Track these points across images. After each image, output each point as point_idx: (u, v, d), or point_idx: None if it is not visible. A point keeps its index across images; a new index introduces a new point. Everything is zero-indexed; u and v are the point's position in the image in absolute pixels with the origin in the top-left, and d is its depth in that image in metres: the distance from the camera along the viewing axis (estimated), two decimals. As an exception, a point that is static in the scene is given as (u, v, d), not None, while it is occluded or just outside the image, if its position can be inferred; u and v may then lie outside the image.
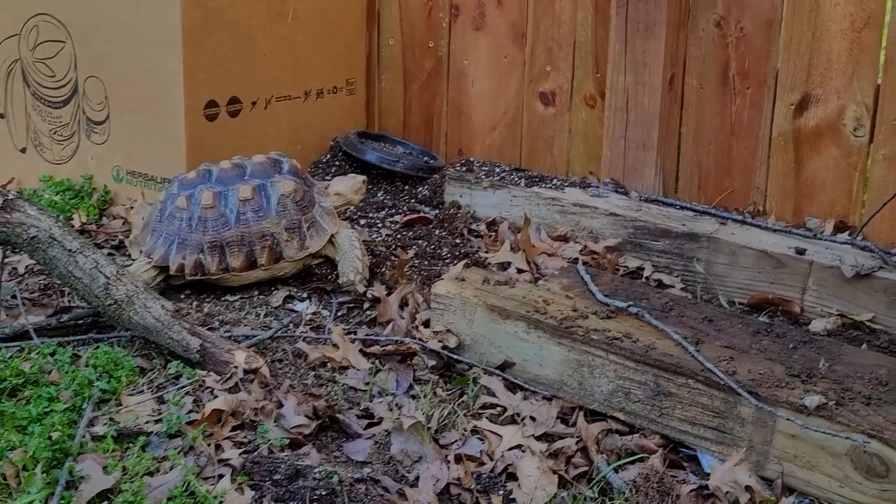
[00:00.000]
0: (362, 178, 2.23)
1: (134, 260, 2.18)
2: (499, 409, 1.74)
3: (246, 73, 2.47)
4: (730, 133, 2.43)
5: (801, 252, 2.18)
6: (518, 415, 1.72)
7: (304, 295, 2.13)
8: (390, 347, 1.89)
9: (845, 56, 2.25)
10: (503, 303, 1.86)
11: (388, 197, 2.62)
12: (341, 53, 2.72)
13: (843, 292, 2.11)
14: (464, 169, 2.60)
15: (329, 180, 2.32)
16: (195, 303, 2.09)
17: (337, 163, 2.69)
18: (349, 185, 2.22)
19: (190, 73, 2.32)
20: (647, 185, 2.47)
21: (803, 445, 1.54)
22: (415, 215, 2.50)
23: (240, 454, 1.55)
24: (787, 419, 1.54)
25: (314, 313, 2.07)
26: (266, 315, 2.05)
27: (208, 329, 1.89)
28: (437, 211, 2.53)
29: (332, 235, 2.13)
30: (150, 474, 1.49)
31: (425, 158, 2.75)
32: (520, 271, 2.22)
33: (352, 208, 2.37)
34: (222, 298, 2.11)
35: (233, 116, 2.45)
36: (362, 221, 2.51)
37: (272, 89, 2.54)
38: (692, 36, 2.42)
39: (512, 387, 1.80)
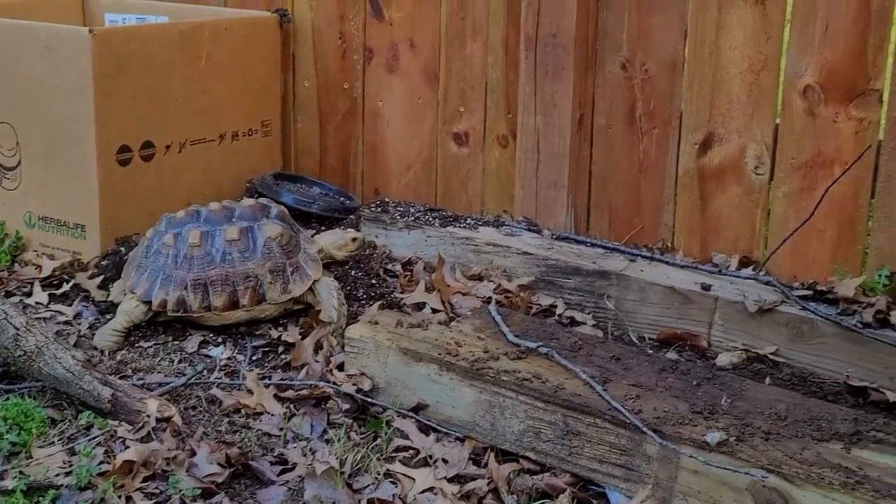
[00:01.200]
0: (352, 235, 2.25)
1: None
2: (412, 451, 1.76)
3: (159, 117, 2.46)
4: (638, 171, 2.48)
5: (706, 288, 2.23)
6: (431, 457, 1.73)
7: (219, 340, 2.12)
8: (305, 392, 1.90)
9: (745, 97, 2.32)
10: (416, 346, 1.88)
11: (304, 238, 2.63)
12: (256, 96, 2.73)
13: (747, 326, 2.17)
14: (379, 210, 2.62)
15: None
16: (108, 351, 2.07)
17: (254, 204, 2.69)
18: (333, 241, 2.24)
19: (102, 119, 2.31)
20: (559, 223, 2.51)
21: (706, 481, 1.58)
22: (331, 256, 2.51)
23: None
24: (690, 456, 1.58)
25: (229, 358, 2.07)
26: (180, 361, 2.05)
27: (121, 377, 1.89)
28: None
29: (314, 282, 2.12)
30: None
31: (341, 199, 2.77)
32: (434, 311, 2.24)
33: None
34: (136, 345, 2.10)
35: (146, 161, 2.45)
36: (279, 263, 2.51)
37: (186, 133, 2.54)
38: (599, 78, 2.47)
39: (425, 429, 1.82)
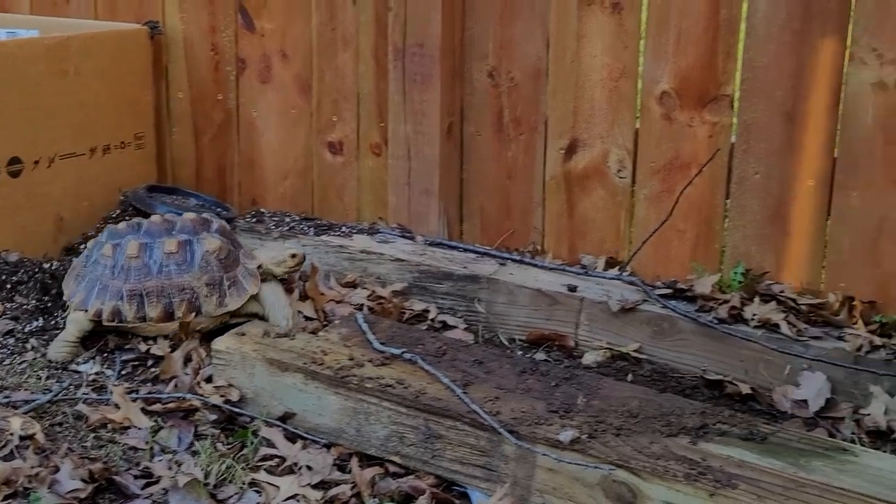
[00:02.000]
0: (291, 251, 2.23)
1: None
2: (278, 460, 1.78)
3: (28, 132, 2.44)
4: (507, 177, 2.54)
5: (573, 289, 2.29)
6: (296, 464, 1.76)
7: (89, 355, 2.12)
8: (172, 405, 1.91)
9: (606, 104, 2.39)
10: (282, 356, 1.90)
11: (179, 250, 2.62)
12: (128, 108, 2.72)
13: (611, 325, 2.24)
14: (254, 220, 2.64)
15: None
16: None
17: (127, 217, 2.67)
18: (272, 257, 2.22)
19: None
20: (432, 229, 2.55)
21: (560, 478, 1.63)
22: (206, 267, 2.51)
23: (11, 524, 1.54)
24: (544, 454, 1.63)
25: (97, 373, 2.07)
26: (48, 378, 2.04)
27: (-14, 396, 1.87)
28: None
29: (254, 295, 2.12)
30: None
31: (218, 210, 2.77)
32: (308, 319, 2.26)
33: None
34: (3, 363, 2.09)
35: (14, 177, 2.42)
36: (154, 275, 2.51)
37: (56, 147, 2.52)
38: (467, 86, 2.52)
39: (292, 437, 1.84)
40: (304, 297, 2.33)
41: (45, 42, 2.48)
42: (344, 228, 2.60)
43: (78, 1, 2.95)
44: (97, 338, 2.15)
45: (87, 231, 2.63)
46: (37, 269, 2.35)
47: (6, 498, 1.61)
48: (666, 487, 1.55)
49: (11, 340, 2.17)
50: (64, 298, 2.16)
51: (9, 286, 2.33)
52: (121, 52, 2.69)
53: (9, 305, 2.28)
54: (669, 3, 2.27)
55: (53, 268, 2.35)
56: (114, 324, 2.08)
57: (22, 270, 2.36)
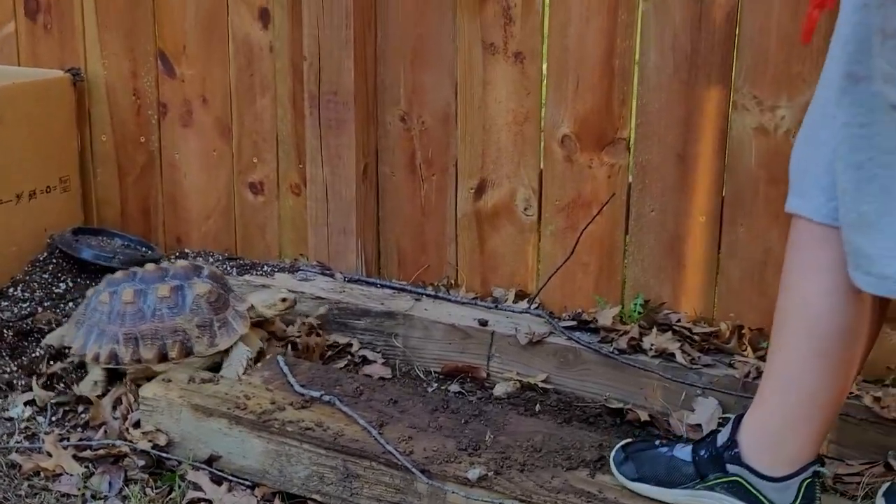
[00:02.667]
0: (281, 296, 2.31)
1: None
2: (205, 502, 1.87)
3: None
4: (421, 215, 2.65)
5: (484, 324, 2.41)
6: (221, 507, 1.85)
7: (21, 399, 2.19)
8: (102, 451, 1.99)
9: (512, 146, 2.51)
10: (206, 401, 1.99)
11: (107, 291, 2.70)
12: (52, 153, 2.79)
13: (520, 357, 2.36)
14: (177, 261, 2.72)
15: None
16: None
17: (54, 260, 2.75)
18: (262, 300, 2.30)
19: None
20: (351, 266, 2.65)
21: (469, 513, 1.75)
22: (132, 309, 2.59)
23: (-51, 577, 1.62)
24: (454, 492, 1.74)
25: (29, 418, 2.14)
26: (-19, 426, 2.11)
27: (-79, 448, 1.94)
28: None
29: (241, 335, 2.21)
30: None
31: (143, 250, 2.84)
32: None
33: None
34: (-63, 412, 2.15)
35: (-60, 226, 2.48)
36: (82, 317, 2.58)
37: (-19, 196, 2.58)
38: (381, 129, 2.63)
39: (218, 479, 1.94)
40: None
41: (-31, 94, 2.54)
42: (266, 267, 2.69)
43: (0, 48, 2.99)
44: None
45: (16, 274, 2.69)
46: (-33, 319, 2.42)
47: (-56, 551, 1.68)
48: (564, 521, 1.68)
49: (-57, 389, 2.24)
50: (65, 344, 2.26)
51: (-60, 336, 2.39)
52: (44, 99, 2.76)
53: (-60, 355, 2.34)
54: (567, 53, 2.40)
55: (-17, 317, 2.42)
56: (111, 366, 2.17)
57: (-47, 320, 2.43)
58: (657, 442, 1.83)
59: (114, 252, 2.76)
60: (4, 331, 2.43)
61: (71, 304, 2.64)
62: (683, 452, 1.74)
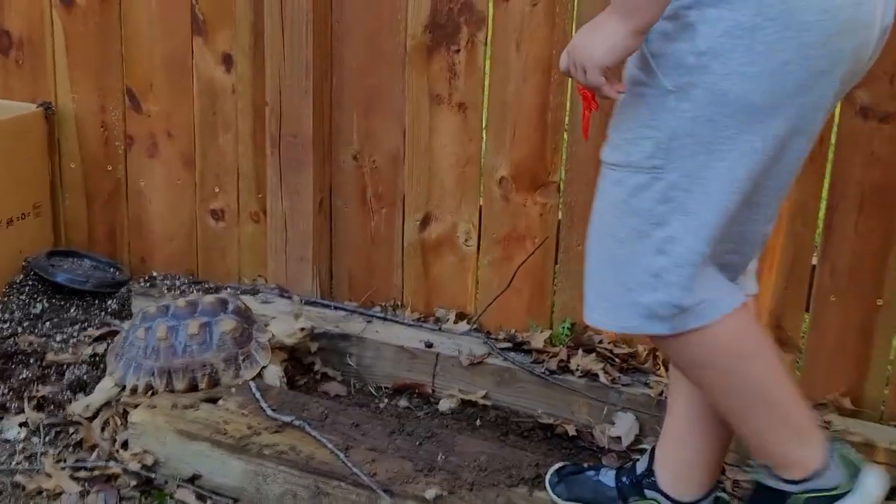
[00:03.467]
0: (300, 325, 2.54)
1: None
2: (192, 518, 2.11)
3: (-60, 215, 2.67)
4: (371, 243, 2.89)
5: (429, 345, 2.67)
6: (208, 522, 2.09)
7: (16, 424, 2.39)
8: (97, 472, 2.21)
9: (454, 185, 2.76)
10: (189, 426, 2.22)
11: (79, 312, 2.90)
12: (26, 182, 2.97)
13: (462, 376, 2.62)
14: (148, 285, 2.93)
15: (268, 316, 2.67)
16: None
17: (30, 282, 2.94)
18: (283, 330, 2.54)
19: None
20: (307, 290, 2.88)
21: (426, 528, 2.02)
22: (106, 329, 2.80)
23: (-22, 593, 1.84)
24: (413, 510, 2.01)
25: (25, 439, 2.35)
26: (-18, 447, 2.31)
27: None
28: (126, 323, 2.83)
29: (263, 367, 2.46)
30: None
31: (112, 271, 3.04)
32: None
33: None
34: (-62, 434, 2.35)
35: (-69, 257, 2.66)
36: (58, 337, 2.78)
37: (-35, 226, 2.76)
38: (336, 166, 2.86)
39: (202, 496, 2.17)
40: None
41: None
42: (228, 290, 2.92)
43: (-27, 79, 3.15)
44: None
45: (-5, 297, 2.88)
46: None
47: (-30, 568, 1.90)
48: (509, 535, 1.95)
49: (-57, 412, 2.43)
50: (107, 372, 2.49)
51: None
52: (19, 133, 2.93)
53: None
54: (506, 105, 2.65)
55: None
56: (147, 395, 2.39)
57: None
58: (586, 466, 2.11)
59: (86, 276, 2.96)
60: (-9, 354, 2.62)
61: (47, 323, 2.84)
62: (608, 478, 2.02)
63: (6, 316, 2.84)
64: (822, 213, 2.48)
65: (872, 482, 1.74)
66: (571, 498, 2.03)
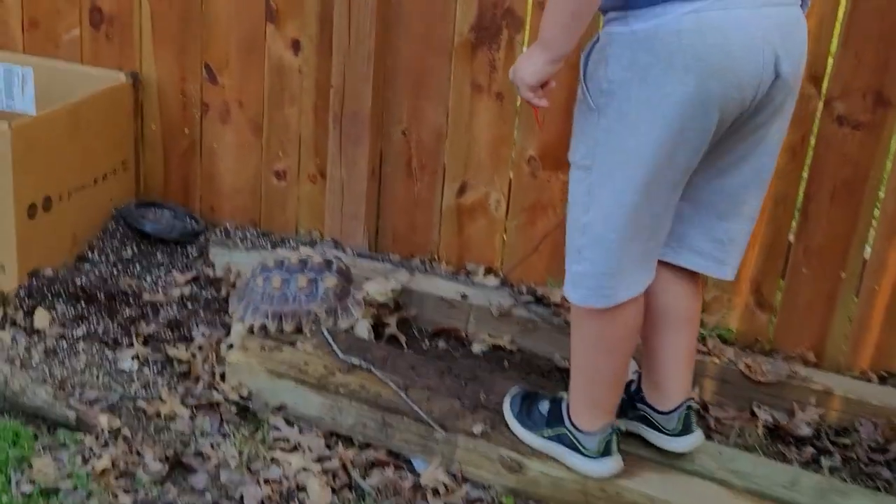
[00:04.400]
0: (392, 286, 2.95)
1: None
2: (285, 442, 2.58)
3: (53, 178, 3.08)
4: (414, 206, 3.32)
5: (465, 297, 3.12)
6: (299, 444, 2.56)
7: (129, 356, 2.84)
8: (203, 400, 2.67)
9: (488, 160, 3.19)
10: (277, 366, 2.68)
11: (165, 257, 3.32)
12: (117, 142, 3.36)
13: (492, 323, 3.07)
14: (223, 236, 3.37)
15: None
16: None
17: (120, 229, 3.36)
18: (376, 289, 2.94)
19: (18, 181, 2.92)
20: (358, 243, 3.32)
21: (474, 455, 2.48)
22: (190, 275, 3.24)
23: (128, 496, 2.31)
24: (463, 441, 2.48)
25: (138, 371, 2.80)
26: (104, 375, 2.76)
27: (69, 395, 2.60)
28: (207, 269, 3.27)
29: (357, 319, 2.88)
30: (73, 519, 2.23)
31: (190, 221, 3.47)
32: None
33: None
34: (65, 363, 2.80)
35: (46, 211, 3.08)
36: (148, 279, 3.23)
37: (71, 184, 3.17)
38: (386, 140, 3.28)
39: (290, 422, 2.64)
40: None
41: (68, 109, 3.10)
42: (292, 242, 3.36)
43: (66, 46, 3.53)
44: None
45: (91, 240, 3.31)
46: (69, 284, 3.04)
47: (116, 477, 2.37)
48: (541, 462, 2.44)
49: (64, 344, 2.88)
50: (230, 312, 2.92)
51: (49, 297, 3.01)
52: (112, 101, 3.32)
53: (54, 314, 2.97)
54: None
55: (82, 283, 3.05)
56: (261, 334, 2.82)
57: (57, 283, 3.05)
58: (539, 392, 2.57)
59: (170, 226, 3.38)
60: (98, 293, 3.06)
61: (138, 266, 3.27)
62: (543, 406, 2.46)
63: (102, 258, 3.27)
64: (800, 202, 2.93)
65: (606, 465, 2.35)
66: (516, 415, 2.50)
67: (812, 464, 2.67)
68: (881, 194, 2.86)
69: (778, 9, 2.00)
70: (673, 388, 2.41)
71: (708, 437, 2.72)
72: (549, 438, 2.42)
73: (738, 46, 1.97)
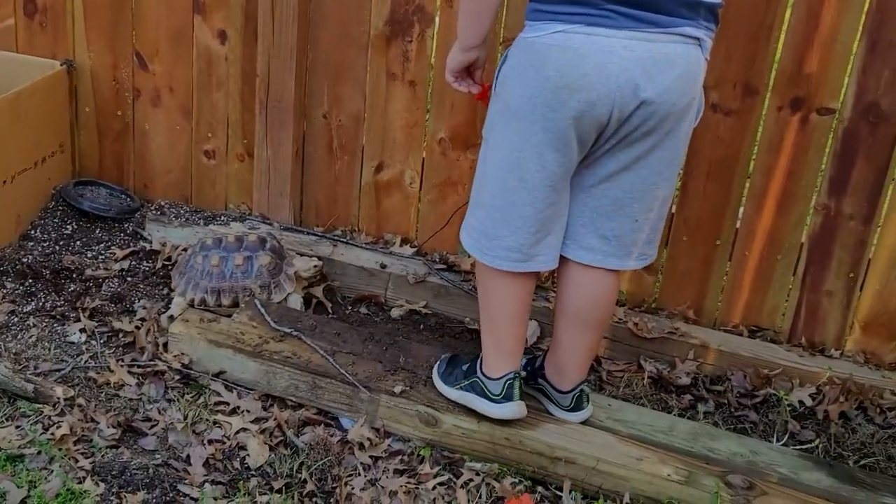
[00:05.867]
0: (314, 263, 3.18)
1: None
2: (224, 405, 2.81)
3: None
4: (335, 182, 3.54)
5: (383, 266, 3.37)
6: (238, 408, 2.79)
7: (77, 329, 3.03)
8: (148, 368, 2.89)
9: (404, 141, 3.41)
10: (216, 336, 2.90)
11: (104, 233, 3.49)
12: (55, 126, 3.50)
13: (409, 290, 3.33)
14: (158, 213, 3.55)
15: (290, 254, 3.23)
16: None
17: (60, 208, 3.51)
18: (302, 266, 3.17)
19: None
20: (285, 218, 3.54)
21: (395, 412, 2.74)
22: (128, 250, 3.43)
23: (87, 460, 2.53)
24: (385, 400, 2.75)
25: (86, 343, 3.00)
26: (55, 348, 2.95)
27: (22, 367, 2.79)
28: (145, 244, 3.46)
29: (289, 293, 3.10)
30: (36, 484, 2.44)
31: (126, 198, 3.64)
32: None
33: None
34: (18, 337, 2.98)
35: (-8, 194, 3.23)
36: (89, 254, 3.40)
37: (13, 168, 3.32)
38: (309, 123, 3.48)
39: (229, 387, 2.87)
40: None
41: (9, 98, 3.24)
42: (223, 218, 3.56)
43: (1, 36, 3.64)
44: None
45: (34, 220, 3.47)
46: (16, 263, 3.21)
47: (75, 443, 2.58)
48: (454, 417, 2.71)
49: (15, 319, 3.05)
50: (172, 287, 3.13)
51: (-3, 275, 3.18)
52: (50, 88, 3.46)
53: (3, 291, 3.14)
54: (446, 83, 3.28)
55: (28, 261, 3.22)
56: (201, 308, 3.03)
57: (5, 262, 3.21)
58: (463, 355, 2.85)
59: (109, 204, 3.55)
60: (44, 270, 3.23)
61: (78, 242, 3.44)
62: (465, 364, 2.71)
63: (45, 236, 3.44)
64: (680, 179, 3.23)
65: (507, 409, 2.59)
66: (440, 374, 2.76)
67: (690, 409, 3.00)
68: (750, 171, 3.17)
69: (646, 44, 2.24)
70: (572, 374, 2.68)
71: (601, 388, 3.03)
72: (463, 388, 2.68)
73: (591, 68, 2.24)
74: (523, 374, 2.71)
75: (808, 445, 2.86)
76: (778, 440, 2.86)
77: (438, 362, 2.81)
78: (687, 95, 2.34)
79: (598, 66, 2.22)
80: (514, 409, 2.60)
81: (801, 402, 2.99)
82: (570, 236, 2.55)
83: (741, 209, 3.19)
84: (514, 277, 2.53)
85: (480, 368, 2.64)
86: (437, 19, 3.24)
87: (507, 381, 2.58)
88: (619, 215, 2.48)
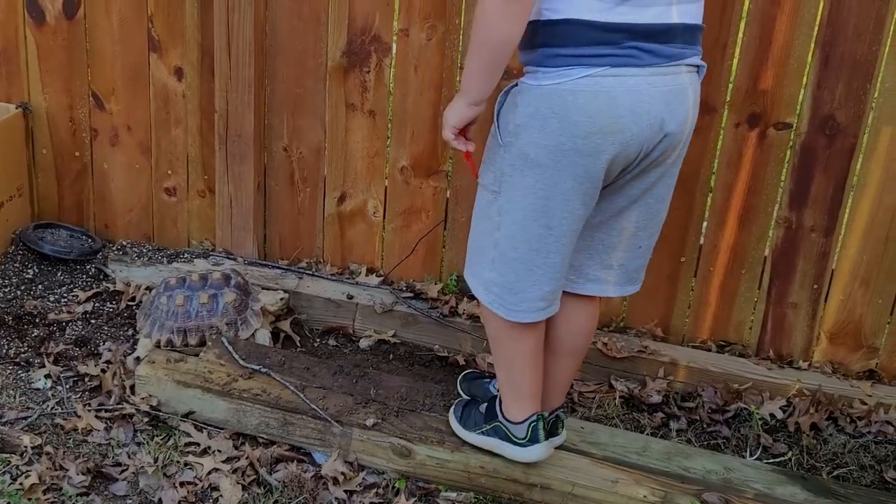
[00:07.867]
0: (280, 296, 3.17)
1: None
2: (195, 445, 2.77)
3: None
4: (298, 214, 3.52)
5: (350, 297, 3.35)
6: (209, 448, 2.76)
7: (41, 375, 2.98)
8: (116, 412, 2.84)
9: (365, 171, 3.40)
10: (183, 377, 2.86)
11: (65, 276, 3.45)
12: (12, 169, 3.47)
13: (377, 319, 3.32)
14: (120, 253, 3.51)
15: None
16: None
17: (21, 252, 3.47)
18: (269, 300, 3.15)
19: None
20: (248, 252, 3.51)
21: (368, 445, 2.72)
22: (92, 291, 3.38)
23: (56, 509, 2.48)
24: (357, 433, 2.72)
25: (51, 389, 2.95)
26: (20, 395, 2.90)
27: (-11, 418, 2.74)
28: (108, 284, 3.42)
29: (256, 329, 3.07)
30: (7, 534, 2.39)
31: (87, 240, 3.59)
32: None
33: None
34: (-19, 387, 2.93)
35: (-51, 242, 3.17)
36: (51, 298, 3.35)
37: (-28, 213, 3.27)
38: (270, 156, 3.46)
39: (199, 427, 2.83)
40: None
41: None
42: (186, 255, 3.52)
43: (-47, 80, 3.60)
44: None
45: (-7, 266, 3.42)
46: (-23, 310, 3.16)
47: (44, 492, 2.53)
48: (427, 447, 2.69)
49: (-23, 368, 3.00)
50: (137, 329, 3.10)
51: (-41, 324, 3.12)
52: (5, 132, 3.42)
53: (-34, 340, 3.08)
54: (406, 114, 3.29)
55: (-10, 308, 3.17)
56: (168, 349, 2.99)
57: (-33, 311, 3.16)
58: (486, 374, 2.83)
59: (70, 247, 3.51)
60: (6, 316, 3.18)
61: (40, 286, 3.40)
62: (482, 407, 2.71)
63: (5, 281, 3.38)
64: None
65: (534, 451, 2.56)
66: (469, 393, 2.80)
67: (662, 427, 3.00)
68: (711, 187, 3.18)
69: (665, 77, 2.21)
70: (550, 399, 2.66)
71: (573, 410, 3.03)
72: (485, 433, 2.64)
73: (626, 110, 2.16)
74: (546, 414, 2.65)
75: (781, 458, 2.87)
76: (751, 455, 2.87)
77: (454, 406, 2.77)
78: (693, 122, 2.35)
79: (630, 106, 2.16)
80: (542, 450, 2.58)
81: (772, 415, 2.99)
82: (575, 271, 2.48)
83: (704, 225, 3.21)
84: (534, 324, 2.46)
85: (501, 412, 2.61)
86: (393, 48, 3.23)
87: (531, 424, 2.55)
88: (626, 245, 2.47)
